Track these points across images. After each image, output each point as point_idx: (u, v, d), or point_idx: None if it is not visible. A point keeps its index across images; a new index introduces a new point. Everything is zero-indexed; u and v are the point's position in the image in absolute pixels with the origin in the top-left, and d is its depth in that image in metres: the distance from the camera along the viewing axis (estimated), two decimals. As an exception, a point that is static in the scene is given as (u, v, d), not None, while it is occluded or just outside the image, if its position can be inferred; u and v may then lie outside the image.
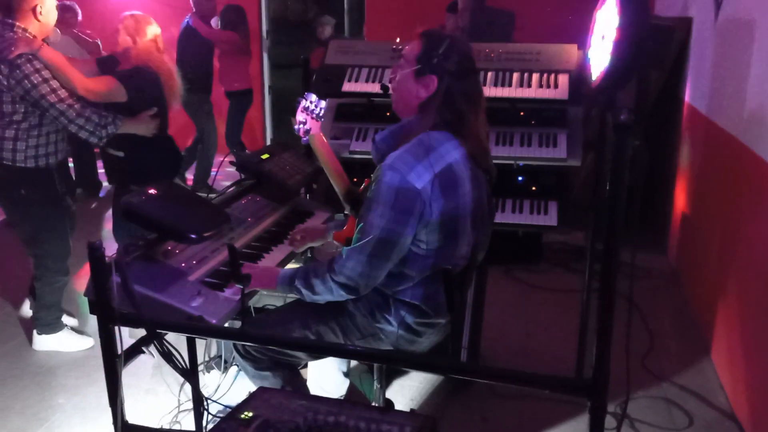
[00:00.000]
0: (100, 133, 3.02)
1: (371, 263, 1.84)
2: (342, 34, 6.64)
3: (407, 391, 2.89)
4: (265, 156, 2.73)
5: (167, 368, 2.87)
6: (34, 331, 3.30)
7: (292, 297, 2.30)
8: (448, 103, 1.90)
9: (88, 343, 3.33)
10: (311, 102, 2.18)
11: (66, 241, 3.25)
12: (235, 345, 2.13)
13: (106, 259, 1.76)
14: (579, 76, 2.90)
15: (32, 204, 3.09)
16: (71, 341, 3.31)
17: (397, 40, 3.27)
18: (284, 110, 7.20)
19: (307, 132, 2.19)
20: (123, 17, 3.32)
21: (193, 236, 2.02)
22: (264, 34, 6.91)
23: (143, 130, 3.24)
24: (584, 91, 2.87)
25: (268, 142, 7.17)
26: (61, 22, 4.73)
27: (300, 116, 2.18)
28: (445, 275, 1.96)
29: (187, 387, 2.72)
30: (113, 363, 1.82)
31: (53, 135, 3.06)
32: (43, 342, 3.29)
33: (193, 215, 2.13)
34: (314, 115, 2.19)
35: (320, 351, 1.95)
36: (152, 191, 2.11)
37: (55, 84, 2.92)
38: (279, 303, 2.60)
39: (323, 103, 2.21)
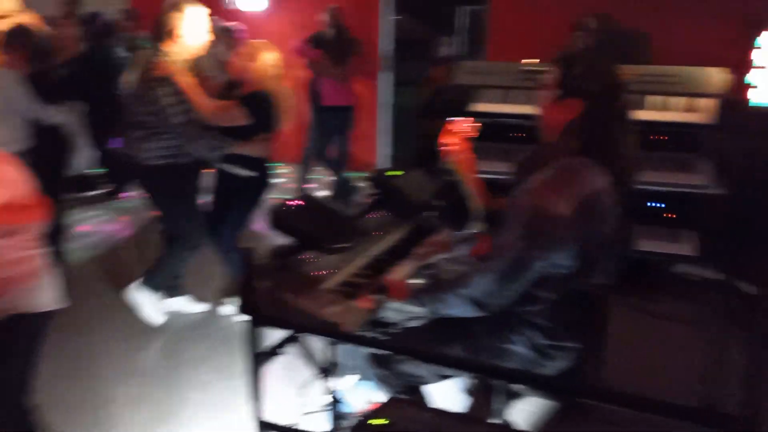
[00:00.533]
0: (208, 155, 3.38)
1: (501, 283, 1.85)
2: (460, 53, 6.68)
3: (525, 416, 2.85)
4: (394, 173, 2.81)
5: (289, 371, 3.01)
6: (137, 282, 3.66)
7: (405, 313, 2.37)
8: (594, 125, 1.87)
9: (161, 320, 3.69)
10: (461, 124, 2.24)
11: (198, 228, 3.59)
12: (370, 370, 2.19)
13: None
14: (729, 100, 2.77)
15: (166, 195, 3.50)
16: (154, 309, 3.66)
17: (529, 61, 3.27)
18: (399, 127, 7.32)
19: (453, 153, 2.25)
20: (243, 45, 3.60)
21: (330, 247, 2.13)
22: (382, 52, 7.08)
23: (255, 153, 3.52)
24: (736, 117, 2.73)
25: (381, 159, 7.31)
26: (218, 42, 5.09)
27: (447, 138, 2.25)
28: (579, 299, 1.94)
29: (311, 389, 2.84)
30: (257, 361, 1.94)
31: (180, 141, 3.37)
32: (135, 294, 3.64)
33: (330, 227, 2.24)
34: (462, 138, 2.25)
35: (449, 365, 1.98)
36: (297, 203, 2.24)
37: (179, 108, 3.25)
38: (395, 315, 2.66)
39: (474, 125, 2.28)
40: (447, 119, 2.30)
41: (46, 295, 2.19)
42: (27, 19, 4.39)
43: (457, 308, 1.95)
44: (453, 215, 2.84)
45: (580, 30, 5.12)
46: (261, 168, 3.62)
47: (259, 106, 3.49)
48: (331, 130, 5.96)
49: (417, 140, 6.06)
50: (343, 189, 6.08)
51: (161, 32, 3.36)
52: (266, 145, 3.58)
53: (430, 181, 2.92)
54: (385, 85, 7.19)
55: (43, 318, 2.18)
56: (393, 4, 7.03)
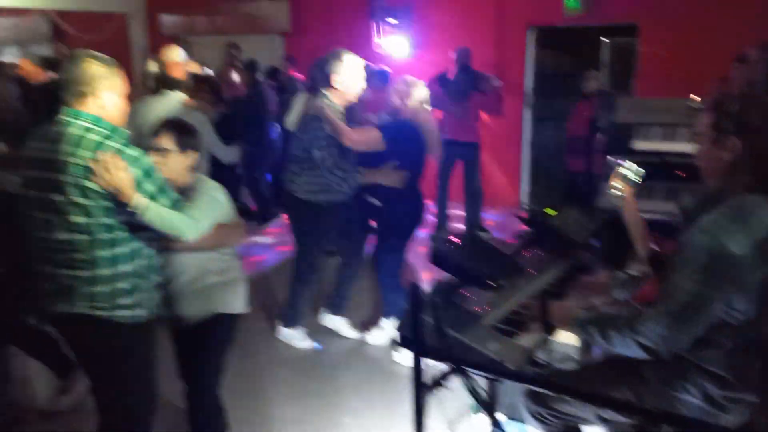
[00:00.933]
0: (340, 186, 3.59)
1: (675, 327, 1.80)
2: (608, 87, 6.52)
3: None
4: (550, 211, 2.82)
5: (445, 403, 3.06)
6: (279, 322, 4.05)
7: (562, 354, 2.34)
8: (760, 161, 1.82)
9: (308, 345, 3.99)
10: (629, 169, 2.24)
11: (318, 265, 3.86)
12: (528, 408, 2.20)
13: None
14: None
15: (304, 227, 3.78)
16: (297, 338, 4.00)
17: (694, 97, 3.16)
18: (542, 163, 7.24)
19: (620, 198, 2.24)
20: (397, 80, 3.79)
21: (491, 284, 2.18)
22: (527, 88, 7.08)
23: (388, 181, 3.63)
24: None
25: (524, 196, 7.25)
26: (369, 86, 5.40)
27: (616, 182, 2.25)
28: (757, 347, 1.85)
29: (467, 423, 2.89)
30: (421, 391, 2.02)
31: (325, 178, 3.58)
32: (281, 332, 4.02)
33: (490, 264, 2.29)
34: (629, 182, 2.24)
35: (615, 408, 1.94)
36: (456, 240, 2.32)
37: (324, 143, 3.50)
38: (551, 356, 2.64)
39: (642, 171, 2.27)
40: (609, 159, 2.30)
41: (239, 300, 2.62)
42: (194, 67, 4.91)
43: (625, 349, 1.91)
44: (611, 255, 2.79)
45: (740, 62, 4.85)
46: (398, 199, 3.71)
47: (397, 133, 3.64)
48: (450, 163, 6.01)
49: (565, 177, 5.98)
50: (473, 225, 6.09)
51: (320, 78, 3.64)
52: (403, 176, 3.64)
53: (587, 220, 2.89)
54: (524, 120, 7.17)
55: (236, 320, 2.62)
56: (534, 40, 7.04)
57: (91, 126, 2.11)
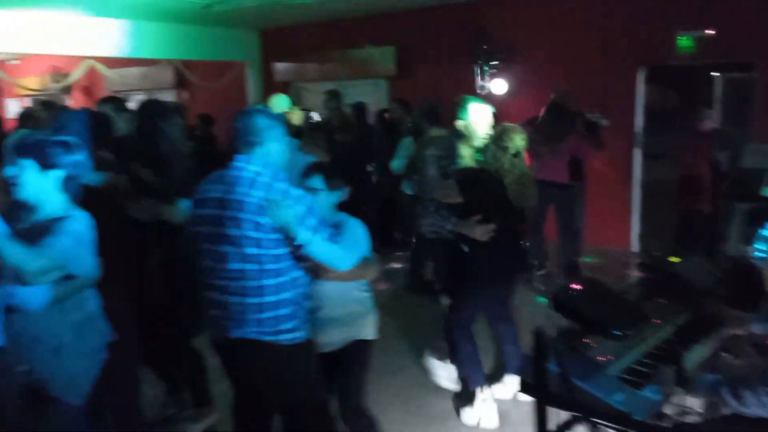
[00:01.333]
0: (437, 230, 3.58)
1: None
2: (726, 126, 6.26)
3: None
4: (674, 259, 2.76)
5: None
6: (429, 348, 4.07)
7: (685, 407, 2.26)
8: None
9: (454, 387, 3.86)
10: None
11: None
12: None
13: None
14: None
15: (441, 264, 3.91)
16: (446, 375, 3.94)
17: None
18: (654, 203, 6.99)
19: (765, 260, 2.18)
20: (496, 128, 3.73)
21: (617, 333, 2.17)
22: (636, 127, 6.91)
23: (471, 233, 3.43)
24: None
25: (635, 238, 7.01)
26: None
27: (760, 244, 2.19)
28: None
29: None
30: (545, 440, 2.02)
31: (437, 216, 3.59)
32: (427, 359, 4.05)
33: (615, 312, 2.27)
34: None
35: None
36: (577, 286, 2.33)
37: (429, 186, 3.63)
38: (675, 409, 2.55)
39: None
40: (738, 205, 2.24)
41: (372, 327, 2.83)
42: (298, 114, 5.15)
43: (762, 409, 1.85)
44: (739, 303, 2.69)
45: None
46: (486, 251, 3.44)
47: (477, 184, 3.51)
48: (543, 204, 5.65)
49: (680, 218, 5.74)
50: (568, 269, 5.84)
51: (428, 121, 3.75)
52: (482, 230, 3.40)
53: (712, 267, 2.80)
54: (635, 159, 6.97)
55: (371, 345, 2.82)
56: (644, 78, 6.88)
57: (261, 170, 2.39)
